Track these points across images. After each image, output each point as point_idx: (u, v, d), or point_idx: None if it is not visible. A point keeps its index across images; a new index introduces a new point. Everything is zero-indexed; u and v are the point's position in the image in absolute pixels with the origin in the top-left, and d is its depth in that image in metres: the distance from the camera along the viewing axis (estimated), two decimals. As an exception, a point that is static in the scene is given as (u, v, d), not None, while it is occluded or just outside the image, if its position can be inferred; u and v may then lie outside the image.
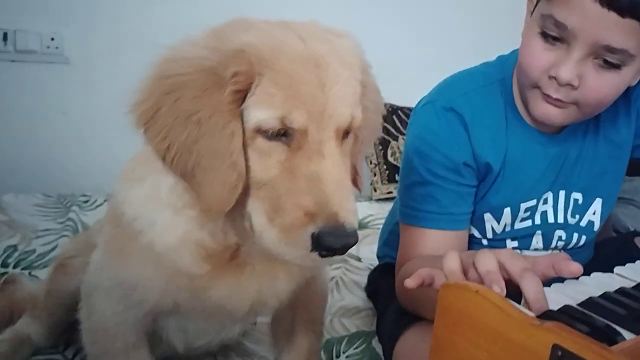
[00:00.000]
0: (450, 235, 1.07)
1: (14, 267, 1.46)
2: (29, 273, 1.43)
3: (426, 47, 2.53)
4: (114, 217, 0.85)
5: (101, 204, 1.88)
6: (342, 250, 0.66)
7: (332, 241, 0.65)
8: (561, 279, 0.74)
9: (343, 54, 0.73)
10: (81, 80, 2.21)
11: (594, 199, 1.16)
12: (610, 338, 0.58)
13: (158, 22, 2.21)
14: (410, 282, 0.76)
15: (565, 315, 0.62)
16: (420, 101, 1.16)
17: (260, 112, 0.68)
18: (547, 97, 0.98)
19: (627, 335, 0.60)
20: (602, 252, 1.26)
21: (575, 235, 1.16)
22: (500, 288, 0.63)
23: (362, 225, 1.91)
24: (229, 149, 0.68)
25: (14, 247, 1.56)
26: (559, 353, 0.53)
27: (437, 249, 1.05)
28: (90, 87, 2.21)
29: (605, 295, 0.69)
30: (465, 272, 0.71)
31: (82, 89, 2.21)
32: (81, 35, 2.18)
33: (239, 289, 0.81)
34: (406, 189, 1.12)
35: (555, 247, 1.17)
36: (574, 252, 1.18)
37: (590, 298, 0.68)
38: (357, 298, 1.43)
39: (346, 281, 1.51)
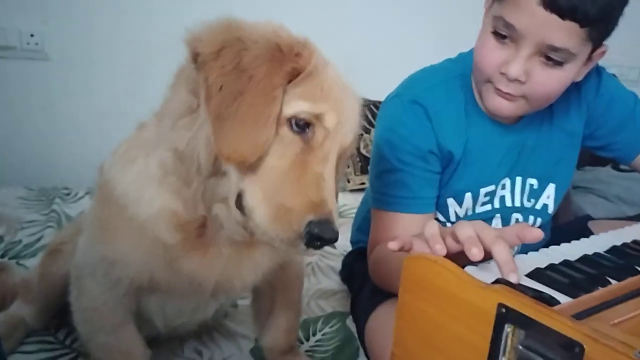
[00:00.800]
0: (419, 218, 1.15)
1: (2, 256, 1.51)
2: (17, 262, 1.48)
3: (395, 45, 2.63)
4: (101, 196, 0.91)
5: (83, 197, 1.94)
6: (327, 242, 0.72)
7: (324, 231, 0.71)
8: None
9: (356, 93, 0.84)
10: (62, 76, 2.25)
11: (548, 184, 1.26)
12: (549, 302, 0.67)
13: (134, 19, 2.27)
14: (394, 245, 0.82)
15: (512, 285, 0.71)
16: (388, 95, 1.24)
17: (302, 104, 0.75)
18: (498, 91, 1.07)
19: (565, 300, 0.69)
20: (558, 235, 1.36)
21: (531, 218, 1.26)
22: (478, 250, 0.71)
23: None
24: (267, 112, 0.73)
25: (1, 238, 1.60)
26: (503, 310, 0.62)
27: (407, 231, 1.12)
28: (70, 83, 2.26)
29: (550, 267, 0.78)
30: (442, 239, 0.77)
31: (63, 85, 2.26)
32: (60, 32, 2.22)
33: (205, 266, 0.88)
34: (377, 177, 1.20)
35: (514, 230, 1.26)
36: (531, 234, 1.27)
37: (537, 269, 0.77)
38: (332, 281, 1.52)
39: (322, 266, 1.59)
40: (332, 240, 0.72)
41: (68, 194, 1.96)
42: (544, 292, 0.69)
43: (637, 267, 0.80)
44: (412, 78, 1.24)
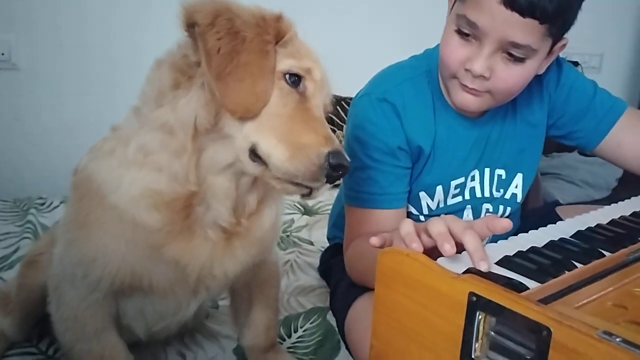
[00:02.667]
0: (391, 213, 1.19)
1: (-22, 270, 1.49)
2: (-6, 275, 1.47)
3: (366, 43, 2.65)
4: (78, 194, 0.91)
5: (58, 206, 1.92)
6: (346, 170, 0.80)
7: (341, 160, 0.79)
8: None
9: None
10: (31, 86, 2.23)
11: (515, 174, 1.30)
12: (518, 288, 0.70)
13: (102, 28, 2.26)
14: (376, 241, 0.86)
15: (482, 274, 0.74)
16: (357, 93, 1.26)
17: (291, 61, 0.84)
18: (464, 87, 1.10)
19: (533, 285, 0.72)
20: (528, 222, 1.40)
21: (501, 207, 1.30)
22: (450, 246, 0.74)
23: (313, 211, 2.02)
24: (263, 65, 0.81)
25: (-24, 252, 1.58)
26: (474, 298, 0.65)
27: (380, 226, 1.16)
28: (39, 93, 2.24)
29: (518, 254, 0.82)
30: (418, 235, 0.80)
31: (32, 95, 2.23)
32: (28, 42, 2.20)
33: (190, 251, 0.88)
34: (349, 174, 1.22)
35: (484, 219, 1.30)
36: (500, 223, 1.31)
37: (505, 256, 0.80)
38: (311, 278, 1.54)
39: (300, 263, 1.62)
40: (349, 168, 0.80)
41: (43, 204, 1.95)
42: (513, 279, 0.72)
43: (601, 250, 0.84)
44: (380, 76, 1.26)
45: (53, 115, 2.26)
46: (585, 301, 0.68)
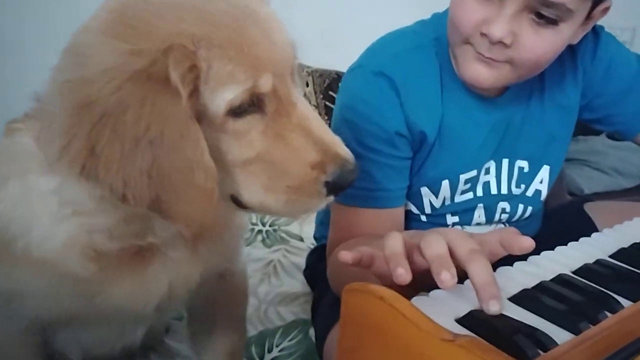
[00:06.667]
0: (385, 214, 0.98)
1: None
2: None
3: (376, 14, 2.43)
4: None
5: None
6: (353, 181, 0.67)
7: (345, 180, 0.66)
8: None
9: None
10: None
11: (541, 167, 1.08)
12: (542, 344, 0.49)
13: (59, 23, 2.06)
14: (347, 256, 0.66)
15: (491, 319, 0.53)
16: (350, 66, 1.05)
17: (227, 94, 0.60)
18: (479, 56, 0.88)
19: (563, 336, 0.51)
20: (551, 223, 1.19)
21: (521, 207, 1.08)
22: (450, 275, 0.55)
23: (307, 201, 1.81)
24: (196, 155, 0.59)
25: None
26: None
27: (372, 229, 0.96)
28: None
29: (541, 286, 0.60)
30: (409, 255, 0.62)
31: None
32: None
33: (144, 285, 0.73)
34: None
35: (499, 221, 1.08)
36: (519, 225, 1.09)
37: (523, 290, 0.59)
38: (297, 282, 1.34)
39: (285, 265, 1.41)
40: (354, 180, 0.68)
41: None
42: (536, 329, 0.51)
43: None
44: (377, 44, 1.04)
45: None
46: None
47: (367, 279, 0.68)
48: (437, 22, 1.02)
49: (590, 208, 1.22)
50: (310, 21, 2.44)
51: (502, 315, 0.53)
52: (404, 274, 0.57)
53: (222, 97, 0.60)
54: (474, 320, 0.52)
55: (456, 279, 0.56)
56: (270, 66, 0.63)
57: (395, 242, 0.62)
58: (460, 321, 0.52)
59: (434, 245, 0.59)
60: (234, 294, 0.93)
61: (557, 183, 1.58)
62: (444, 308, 0.53)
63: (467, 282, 0.60)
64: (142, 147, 0.57)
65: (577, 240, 0.74)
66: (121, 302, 0.72)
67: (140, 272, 0.71)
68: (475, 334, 0.50)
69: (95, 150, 0.56)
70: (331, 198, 0.67)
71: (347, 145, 0.96)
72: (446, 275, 0.55)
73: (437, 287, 0.57)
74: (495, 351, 0.43)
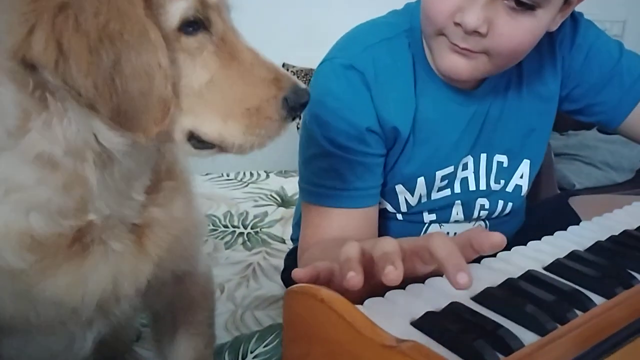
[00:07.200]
0: (358, 214, 0.94)
1: None
2: None
3: (361, 12, 2.39)
4: None
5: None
6: (306, 105, 0.66)
7: (301, 97, 0.65)
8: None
9: None
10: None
11: (521, 161, 1.03)
12: (505, 346, 0.45)
13: None
14: (301, 274, 0.61)
15: (450, 314, 0.49)
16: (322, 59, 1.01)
17: (181, 2, 0.60)
18: (454, 47, 0.84)
19: (528, 338, 0.47)
20: (536, 217, 1.15)
21: (500, 203, 1.04)
22: (394, 267, 0.51)
23: (290, 202, 1.77)
24: (157, 58, 0.57)
25: None
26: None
27: (343, 230, 0.92)
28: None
29: (507, 284, 0.56)
30: (368, 262, 0.57)
31: None
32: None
33: (82, 277, 0.68)
34: (306, 163, 0.97)
35: (478, 218, 1.04)
36: (500, 222, 1.06)
37: (487, 288, 0.55)
38: (275, 286, 1.30)
39: (265, 267, 1.38)
40: (308, 101, 0.66)
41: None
42: (501, 325, 0.47)
43: (633, 273, 0.58)
44: (348, 37, 1.01)
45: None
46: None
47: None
48: (410, 12, 0.98)
49: (575, 202, 1.17)
50: (295, 20, 2.42)
51: (461, 316, 0.49)
52: (353, 277, 0.52)
53: (178, 6, 0.59)
54: (430, 322, 0.48)
55: (401, 276, 0.51)
56: None
57: (351, 248, 0.57)
58: (416, 323, 0.48)
59: (386, 244, 0.55)
60: (196, 298, 0.88)
61: (547, 179, 1.54)
62: (399, 309, 0.49)
63: (427, 281, 0.56)
64: (106, 44, 0.55)
65: (560, 235, 0.70)
66: (57, 296, 0.68)
67: (78, 262, 0.68)
68: (431, 337, 0.46)
69: (63, 45, 0.54)
70: (290, 122, 0.66)
71: (316, 143, 0.93)
72: (390, 267, 0.50)
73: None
74: (441, 358, 0.39)
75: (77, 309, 0.70)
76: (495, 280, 0.57)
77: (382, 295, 0.53)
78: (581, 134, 2.32)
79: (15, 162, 0.62)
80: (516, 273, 0.59)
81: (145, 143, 0.62)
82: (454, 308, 0.50)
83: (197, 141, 0.64)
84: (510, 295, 0.54)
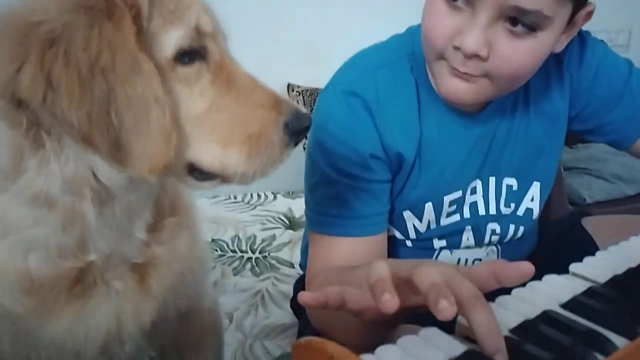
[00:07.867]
0: (366, 242, 0.92)
1: None
2: None
3: (363, 30, 2.38)
4: None
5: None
6: (308, 129, 0.66)
7: (303, 121, 0.64)
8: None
9: None
10: None
11: (531, 184, 1.01)
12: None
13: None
14: (308, 298, 0.60)
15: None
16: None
17: (176, 32, 0.60)
18: (454, 71, 0.82)
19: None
20: (548, 239, 1.12)
21: (512, 227, 1.01)
22: (449, 303, 0.48)
23: (298, 225, 1.75)
24: (151, 89, 0.57)
25: None
26: None
27: (350, 259, 0.90)
28: None
29: (524, 326, 0.53)
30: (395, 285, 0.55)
31: None
32: None
33: (84, 319, 0.67)
34: (311, 191, 0.96)
35: (490, 243, 1.02)
36: (511, 246, 1.03)
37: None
38: (285, 313, 1.28)
39: (274, 294, 1.35)
40: (309, 125, 0.67)
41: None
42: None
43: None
44: (350, 62, 0.99)
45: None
46: None
47: (342, 315, 0.63)
48: (412, 35, 0.96)
49: (588, 223, 1.14)
50: (297, 39, 2.41)
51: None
52: (390, 300, 0.50)
53: (172, 35, 0.59)
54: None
55: (455, 310, 0.49)
56: (205, 10, 0.63)
57: (381, 269, 0.55)
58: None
59: (430, 273, 0.52)
60: (203, 335, 0.87)
61: (557, 196, 1.51)
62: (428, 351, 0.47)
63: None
64: (97, 77, 0.54)
65: (575, 260, 0.67)
66: (59, 340, 0.67)
67: (80, 305, 0.66)
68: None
69: (52, 80, 0.53)
70: (292, 148, 0.65)
71: (320, 170, 0.92)
72: (444, 303, 0.48)
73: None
74: None
75: (79, 353, 0.69)
76: (511, 322, 0.54)
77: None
78: (591, 147, 2.30)
79: (12, 203, 0.62)
80: (532, 312, 0.56)
81: (151, 179, 0.60)
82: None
83: (198, 173, 0.64)
84: (526, 342, 0.51)
